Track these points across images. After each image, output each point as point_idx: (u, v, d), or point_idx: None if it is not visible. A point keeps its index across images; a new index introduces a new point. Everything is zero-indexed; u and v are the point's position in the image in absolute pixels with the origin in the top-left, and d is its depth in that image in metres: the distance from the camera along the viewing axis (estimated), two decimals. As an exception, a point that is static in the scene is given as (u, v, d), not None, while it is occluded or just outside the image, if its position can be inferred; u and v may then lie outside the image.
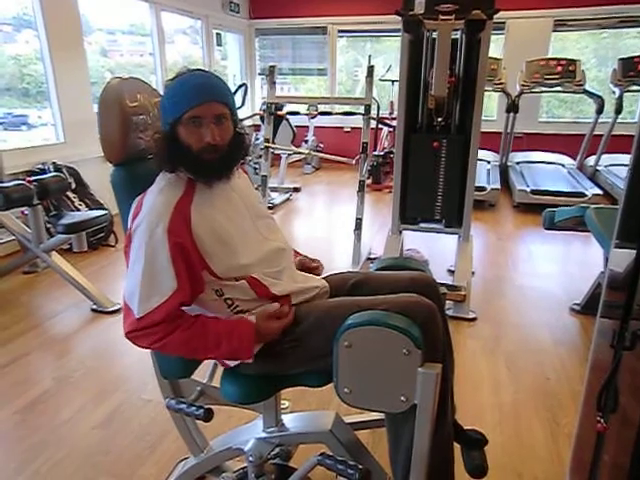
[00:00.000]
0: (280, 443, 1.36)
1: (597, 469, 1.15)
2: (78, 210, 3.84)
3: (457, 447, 1.33)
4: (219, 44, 7.08)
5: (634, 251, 0.99)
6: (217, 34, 6.93)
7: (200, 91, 1.11)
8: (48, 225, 3.43)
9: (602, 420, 1.05)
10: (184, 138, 1.12)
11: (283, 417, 1.40)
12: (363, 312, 1.09)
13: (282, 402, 1.41)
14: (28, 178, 2.97)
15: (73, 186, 3.93)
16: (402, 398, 1.05)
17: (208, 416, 1.21)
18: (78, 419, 1.96)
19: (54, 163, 3.92)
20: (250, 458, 1.31)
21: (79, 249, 3.51)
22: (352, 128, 7.06)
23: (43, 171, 3.78)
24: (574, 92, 5.68)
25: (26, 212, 2.99)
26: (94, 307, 2.91)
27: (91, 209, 3.90)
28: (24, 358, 2.41)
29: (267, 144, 3.84)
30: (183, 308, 1.14)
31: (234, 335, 1.13)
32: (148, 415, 1.97)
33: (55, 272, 3.04)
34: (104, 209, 3.65)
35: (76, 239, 3.32)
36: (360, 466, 1.08)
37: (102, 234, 3.93)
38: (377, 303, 1.13)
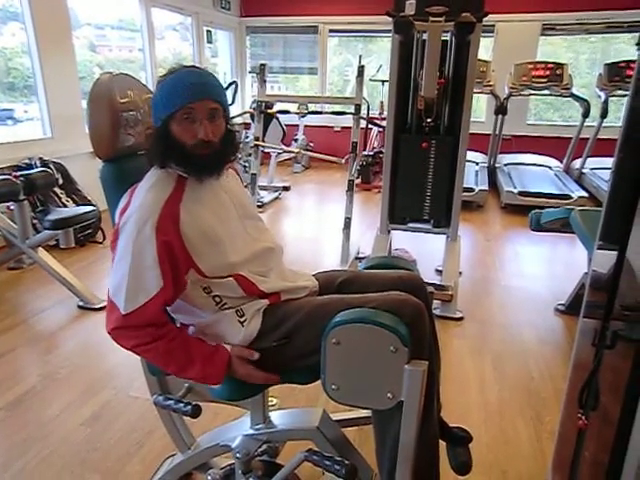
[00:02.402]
0: (267, 440, 1.37)
1: (578, 466, 1.17)
2: (65, 206, 3.80)
3: (442, 444, 1.35)
4: (209, 41, 7.05)
5: (616, 252, 1.01)
6: (207, 31, 6.90)
7: (195, 88, 1.11)
8: (34, 221, 3.40)
9: (583, 417, 1.07)
10: (177, 134, 1.12)
11: (271, 414, 1.40)
12: (351, 310, 1.10)
13: (270, 399, 1.42)
14: (14, 173, 2.94)
15: (60, 182, 3.90)
16: (389, 395, 1.07)
17: (196, 412, 1.20)
18: (65, 416, 1.95)
19: (41, 158, 3.86)
20: (237, 455, 1.31)
21: (66, 245, 3.47)
22: (342, 128, 7.08)
23: (30, 166, 3.73)
24: (561, 95, 5.75)
25: (12, 207, 2.95)
26: (81, 304, 2.89)
27: (78, 205, 3.85)
28: (10, 354, 2.39)
29: (257, 142, 3.83)
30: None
31: (212, 360, 1.15)
32: (136, 412, 1.97)
33: (41, 268, 3.01)
34: (92, 205, 3.62)
35: (63, 235, 3.29)
36: (346, 462, 1.09)
37: (89, 230, 3.90)
38: (365, 301, 1.14)
